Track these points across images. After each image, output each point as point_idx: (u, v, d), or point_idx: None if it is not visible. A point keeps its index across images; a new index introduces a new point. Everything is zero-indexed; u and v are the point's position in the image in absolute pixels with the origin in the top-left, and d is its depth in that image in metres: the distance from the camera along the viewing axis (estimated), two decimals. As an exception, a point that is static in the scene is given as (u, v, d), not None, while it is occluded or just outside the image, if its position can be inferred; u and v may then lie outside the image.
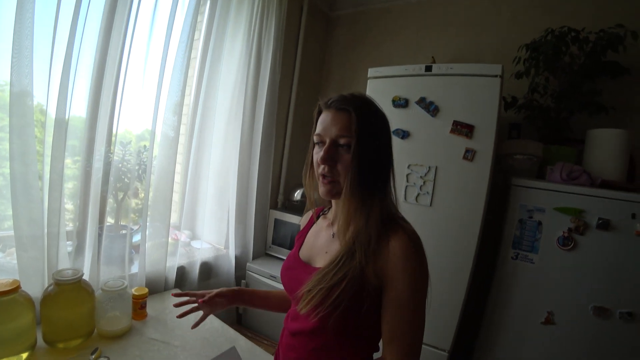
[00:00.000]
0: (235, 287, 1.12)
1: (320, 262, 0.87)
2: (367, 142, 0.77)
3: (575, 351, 1.46)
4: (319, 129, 0.82)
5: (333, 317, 0.73)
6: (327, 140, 0.79)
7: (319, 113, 0.84)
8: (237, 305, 1.09)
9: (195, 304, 1.06)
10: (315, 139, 0.83)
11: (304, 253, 0.95)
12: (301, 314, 0.77)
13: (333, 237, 0.89)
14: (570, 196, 1.49)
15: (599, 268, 1.43)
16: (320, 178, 0.82)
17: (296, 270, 0.91)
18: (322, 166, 0.79)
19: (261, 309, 1.14)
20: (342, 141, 0.78)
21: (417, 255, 0.75)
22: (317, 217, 1.01)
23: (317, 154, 0.81)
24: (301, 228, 1.07)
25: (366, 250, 0.76)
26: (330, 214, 0.96)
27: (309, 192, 0.93)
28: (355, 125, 0.76)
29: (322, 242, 0.92)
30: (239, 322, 2.22)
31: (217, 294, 1.06)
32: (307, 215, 1.08)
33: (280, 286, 1.00)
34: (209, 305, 1.05)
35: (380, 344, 0.83)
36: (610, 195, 1.42)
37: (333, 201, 0.92)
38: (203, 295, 1.05)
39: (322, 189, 0.82)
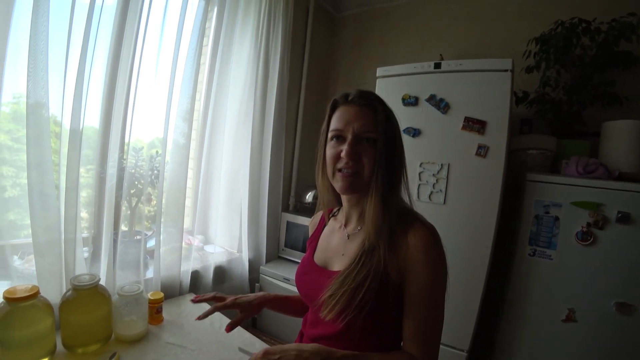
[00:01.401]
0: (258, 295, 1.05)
1: (338, 265, 0.86)
2: (391, 139, 0.79)
3: (598, 349, 1.43)
4: (338, 124, 0.81)
5: (359, 319, 0.73)
6: (350, 135, 0.78)
7: (334, 108, 0.84)
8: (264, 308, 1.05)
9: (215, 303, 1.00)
10: (332, 134, 0.82)
11: (318, 257, 0.94)
12: (326, 320, 0.75)
13: (348, 238, 0.88)
14: (588, 190, 1.45)
15: (620, 263, 1.39)
16: (338, 173, 0.80)
17: (312, 275, 0.89)
18: (343, 160, 0.78)
19: (279, 313, 1.12)
20: (366, 136, 0.78)
21: (437, 247, 0.75)
22: (328, 219, 1.00)
23: (334, 148, 0.80)
24: (310, 231, 1.06)
25: (387, 245, 0.75)
26: (341, 215, 0.95)
27: (322, 192, 0.92)
28: (383, 122, 0.78)
29: (337, 244, 0.90)
30: (253, 325, 2.22)
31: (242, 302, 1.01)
32: (316, 217, 1.07)
33: (296, 289, 0.98)
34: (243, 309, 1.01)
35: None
36: (629, 187, 1.38)
37: (345, 201, 0.90)
38: (223, 299, 1.00)
39: (341, 184, 0.80)
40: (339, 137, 0.80)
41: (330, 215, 1.00)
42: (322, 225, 1.01)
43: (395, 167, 0.81)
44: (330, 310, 0.74)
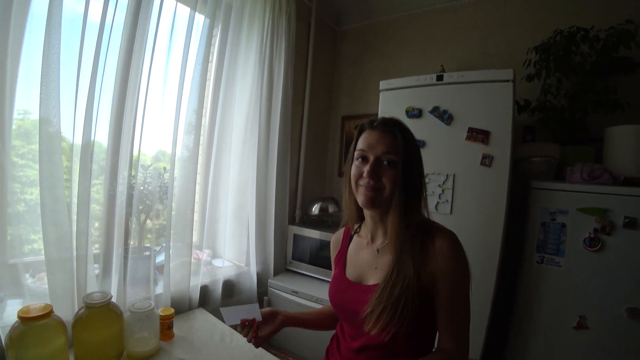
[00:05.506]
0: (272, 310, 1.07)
1: (372, 278, 0.92)
2: (409, 161, 0.87)
3: (611, 356, 1.41)
4: (362, 145, 0.90)
5: (402, 330, 0.80)
6: (372, 157, 0.88)
7: (360, 132, 0.94)
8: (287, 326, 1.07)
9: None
10: (357, 154, 0.91)
11: (350, 272, 0.99)
12: (372, 334, 0.82)
13: (378, 252, 0.94)
14: (593, 196, 1.46)
15: (629, 268, 1.38)
16: (361, 188, 0.89)
17: (349, 291, 0.95)
18: (365, 179, 0.87)
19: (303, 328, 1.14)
20: (387, 158, 0.87)
21: (462, 252, 0.86)
22: (351, 237, 1.06)
23: (358, 168, 0.90)
24: (334, 249, 1.11)
25: (415, 256, 0.83)
26: (364, 231, 1.02)
27: (348, 205, 1.00)
28: (402, 146, 0.86)
29: (367, 259, 0.97)
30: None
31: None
32: (338, 235, 1.12)
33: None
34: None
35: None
36: (634, 192, 1.38)
37: (369, 217, 0.97)
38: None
39: (363, 198, 0.89)
40: (364, 158, 0.90)
41: (353, 233, 1.06)
42: (346, 242, 1.07)
43: (414, 185, 0.89)
44: (374, 325, 0.81)
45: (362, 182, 0.88)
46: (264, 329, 1.02)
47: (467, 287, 0.86)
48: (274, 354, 1.41)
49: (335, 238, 1.14)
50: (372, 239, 0.98)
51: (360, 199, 0.90)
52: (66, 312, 1.27)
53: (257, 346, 1.01)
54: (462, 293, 0.85)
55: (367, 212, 0.96)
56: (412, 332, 0.83)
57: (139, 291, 1.60)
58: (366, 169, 0.87)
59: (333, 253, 1.12)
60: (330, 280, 1.05)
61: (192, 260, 1.80)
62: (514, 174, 1.67)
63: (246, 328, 0.99)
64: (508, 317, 1.71)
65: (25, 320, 1.03)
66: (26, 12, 1.26)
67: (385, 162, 0.87)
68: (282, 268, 2.40)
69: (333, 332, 1.11)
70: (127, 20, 1.46)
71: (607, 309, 1.42)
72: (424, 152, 1.69)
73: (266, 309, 1.05)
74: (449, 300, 0.84)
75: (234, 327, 1.56)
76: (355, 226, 1.07)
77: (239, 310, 0.98)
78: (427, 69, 2.36)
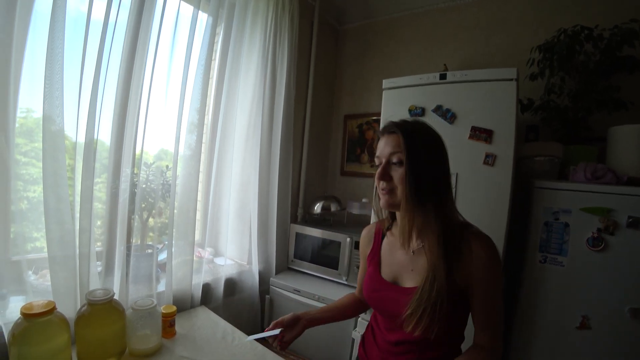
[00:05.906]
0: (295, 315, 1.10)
1: (409, 281, 0.95)
2: (417, 156, 0.87)
3: (614, 356, 1.40)
4: (377, 152, 0.95)
5: (443, 327, 0.84)
6: (383, 160, 0.92)
7: (378, 141, 0.97)
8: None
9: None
10: (375, 161, 0.95)
11: (386, 272, 1.02)
12: (415, 335, 0.85)
13: (413, 254, 0.96)
14: (597, 195, 1.45)
15: (632, 268, 1.37)
16: (380, 192, 0.94)
17: (385, 291, 0.98)
18: (380, 182, 0.91)
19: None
20: (394, 158, 0.89)
21: (497, 254, 0.88)
22: (383, 235, 1.08)
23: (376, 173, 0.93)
24: (365, 246, 1.14)
25: (450, 258, 0.86)
26: (396, 230, 1.03)
27: (377, 210, 1.05)
28: (403, 142, 0.87)
29: (403, 260, 0.99)
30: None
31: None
32: (369, 232, 1.15)
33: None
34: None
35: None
36: (638, 192, 1.37)
37: (400, 219, 0.98)
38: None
39: (381, 201, 0.94)
40: (380, 164, 0.93)
41: (386, 230, 1.08)
42: (378, 240, 1.09)
43: (425, 181, 0.87)
44: (415, 326, 0.84)
45: (380, 185, 0.93)
46: (288, 334, 1.06)
47: (501, 285, 0.90)
48: (275, 352, 1.42)
49: (366, 233, 1.16)
50: (406, 239, 0.99)
51: (380, 202, 0.95)
52: (69, 309, 1.27)
53: (282, 350, 1.08)
54: (498, 294, 0.89)
55: (398, 213, 0.98)
56: (448, 327, 0.87)
57: (141, 289, 1.61)
58: (378, 171, 0.92)
59: (365, 249, 1.14)
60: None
61: (194, 258, 1.80)
62: (517, 173, 1.66)
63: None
64: (510, 317, 1.70)
65: (28, 316, 1.03)
66: (30, 11, 1.26)
67: (394, 162, 0.90)
68: (284, 266, 2.40)
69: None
70: (130, 18, 1.46)
71: (610, 309, 1.41)
72: (426, 151, 1.72)
73: (288, 316, 1.08)
74: (485, 301, 0.88)
75: (239, 326, 1.58)
76: (387, 224, 1.09)
77: (264, 334, 1.07)
78: (427, 68, 2.36)
